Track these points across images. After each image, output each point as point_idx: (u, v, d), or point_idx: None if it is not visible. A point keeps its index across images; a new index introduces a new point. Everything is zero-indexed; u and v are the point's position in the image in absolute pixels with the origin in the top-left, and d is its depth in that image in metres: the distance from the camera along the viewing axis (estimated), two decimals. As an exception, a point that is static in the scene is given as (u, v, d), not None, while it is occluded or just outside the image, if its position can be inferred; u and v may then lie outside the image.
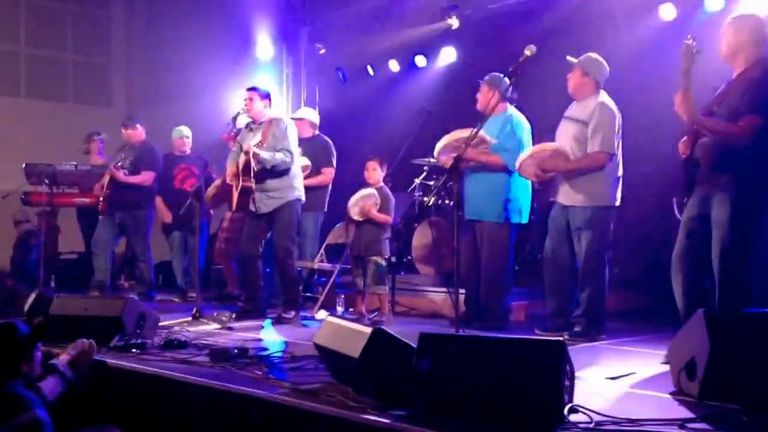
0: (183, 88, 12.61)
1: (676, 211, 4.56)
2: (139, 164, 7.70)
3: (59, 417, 3.13)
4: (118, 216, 7.63)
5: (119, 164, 7.65)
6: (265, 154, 6.16)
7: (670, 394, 3.54)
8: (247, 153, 6.18)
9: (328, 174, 7.30)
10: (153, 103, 13.59)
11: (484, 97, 5.65)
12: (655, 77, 6.85)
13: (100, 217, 7.82)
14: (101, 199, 7.75)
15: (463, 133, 5.44)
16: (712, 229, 4.27)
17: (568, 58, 5.40)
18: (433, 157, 6.70)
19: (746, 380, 3.23)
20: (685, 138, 4.53)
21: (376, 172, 6.51)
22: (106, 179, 7.73)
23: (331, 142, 7.44)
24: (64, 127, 11.73)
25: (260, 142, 6.22)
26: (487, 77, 5.83)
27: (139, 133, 7.88)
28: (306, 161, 7.10)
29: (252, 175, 6.21)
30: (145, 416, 4.05)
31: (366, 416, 3.14)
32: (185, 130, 8.27)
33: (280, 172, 6.27)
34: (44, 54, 13.53)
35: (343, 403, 3.32)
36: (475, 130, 4.58)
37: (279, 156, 6.21)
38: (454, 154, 5.06)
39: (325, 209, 7.37)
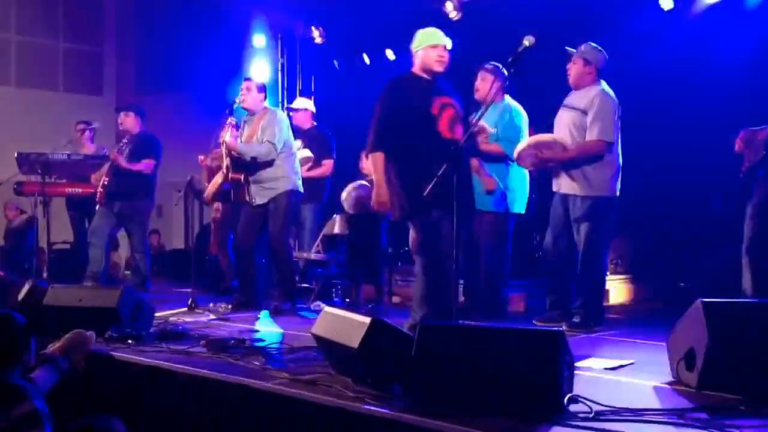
0: (175, 78, 12.58)
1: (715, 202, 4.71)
2: (139, 153, 7.63)
3: (56, 407, 3.11)
4: (116, 206, 7.57)
5: (119, 150, 7.60)
6: (240, 146, 6.18)
7: (669, 384, 3.55)
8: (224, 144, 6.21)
9: (327, 166, 7.29)
10: (145, 92, 13.55)
11: (484, 85, 5.63)
12: (653, 67, 6.87)
13: (98, 206, 7.76)
14: (100, 188, 7.69)
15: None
16: None
17: (567, 48, 5.39)
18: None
19: (745, 370, 3.23)
20: (742, 134, 4.88)
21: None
22: (105, 168, 7.66)
23: (330, 133, 7.41)
24: (55, 115, 11.69)
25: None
26: (486, 65, 5.80)
27: (133, 121, 7.76)
28: (308, 153, 7.09)
29: (235, 167, 6.24)
30: (141, 407, 4.04)
31: (365, 406, 3.14)
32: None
33: (269, 163, 6.26)
34: (36, 42, 13.45)
35: (342, 393, 3.32)
36: (476, 118, 4.56)
37: (261, 147, 6.20)
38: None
39: (325, 201, 7.35)
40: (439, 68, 4.74)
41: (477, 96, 5.75)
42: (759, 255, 5.00)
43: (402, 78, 4.83)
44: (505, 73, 4.98)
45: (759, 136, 4.91)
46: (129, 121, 7.74)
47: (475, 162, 5.07)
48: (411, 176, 4.56)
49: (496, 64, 5.71)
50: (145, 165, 7.56)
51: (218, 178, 7.06)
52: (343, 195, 6.40)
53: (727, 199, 4.82)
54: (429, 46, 4.77)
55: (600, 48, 5.36)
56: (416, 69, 4.83)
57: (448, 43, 4.77)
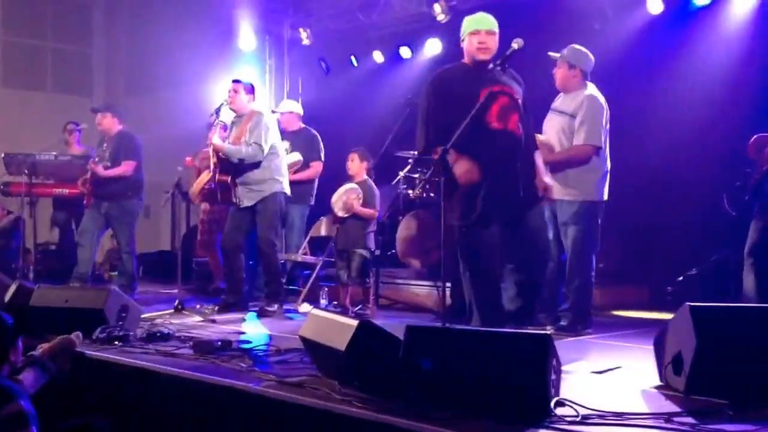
0: (164, 79, 12.55)
1: (727, 206, 5.05)
2: (118, 155, 7.56)
3: (42, 408, 3.09)
4: (104, 207, 7.52)
5: (97, 160, 7.52)
6: (227, 148, 6.18)
7: (657, 388, 3.55)
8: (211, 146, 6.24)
9: (315, 168, 7.27)
10: (134, 93, 13.51)
11: None
12: (642, 70, 6.89)
13: (86, 208, 7.71)
14: (85, 193, 7.64)
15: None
16: None
17: (550, 53, 5.38)
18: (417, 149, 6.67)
19: (732, 375, 3.24)
20: (754, 140, 5.09)
21: (354, 164, 6.48)
22: (88, 174, 7.61)
23: (318, 135, 7.40)
24: (43, 116, 11.64)
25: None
26: None
27: (110, 122, 7.67)
28: (297, 156, 7.09)
29: (222, 169, 6.24)
30: (127, 408, 4.01)
31: (352, 409, 3.13)
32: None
33: (256, 165, 6.24)
34: (23, 42, 13.38)
35: (329, 396, 3.30)
36: (467, 120, 4.54)
37: (247, 149, 6.18)
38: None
39: (312, 203, 7.34)
40: (481, 56, 4.39)
41: None
42: (763, 257, 5.08)
43: (448, 69, 4.52)
44: None
45: None
46: (106, 122, 7.64)
47: None
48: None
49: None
50: (124, 168, 7.49)
51: (204, 176, 7.05)
52: (334, 198, 6.38)
53: (735, 201, 4.94)
54: (470, 33, 4.44)
55: (585, 50, 5.35)
56: (465, 59, 4.52)
57: (493, 26, 4.41)
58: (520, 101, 4.34)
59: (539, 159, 4.36)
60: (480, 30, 4.38)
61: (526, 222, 4.30)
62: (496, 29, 4.34)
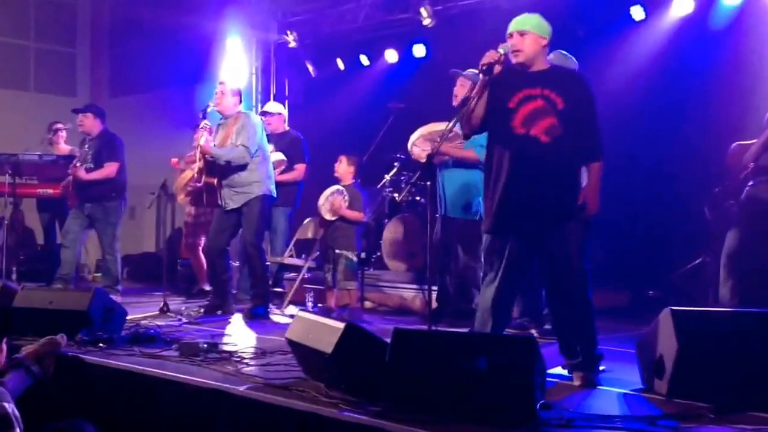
0: (150, 80, 12.48)
1: (707, 212, 5.35)
2: (101, 156, 7.49)
3: (27, 411, 3.08)
4: (87, 208, 7.48)
5: (77, 164, 7.46)
6: (214, 150, 6.17)
7: (639, 391, 3.59)
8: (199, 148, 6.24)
9: (300, 170, 7.28)
10: (119, 93, 13.44)
11: (463, 91, 5.57)
12: (625, 77, 6.94)
13: (70, 209, 7.67)
14: (68, 194, 7.60)
15: (438, 126, 5.39)
16: None
17: None
18: (403, 153, 6.69)
19: (713, 379, 3.28)
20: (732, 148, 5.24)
21: (342, 166, 6.49)
22: (70, 177, 7.56)
23: (303, 137, 7.41)
24: (26, 116, 11.56)
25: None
26: (465, 71, 5.78)
27: (92, 122, 7.60)
28: (281, 156, 7.08)
29: (208, 171, 6.24)
30: (112, 411, 4.00)
31: (338, 412, 3.14)
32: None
33: (242, 167, 6.24)
34: (6, 41, 13.27)
35: (315, 398, 3.32)
36: (451, 123, 4.55)
37: (234, 151, 6.18)
38: (428, 149, 5.05)
39: (297, 205, 7.34)
40: (513, 59, 4.07)
41: (455, 102, 5.74)
42: (741, 263, 5.15)
43: (501, 71, 4.15)
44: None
45: (748, 150, 5.12)
46: (88, 123, 7.54)
47: None
48: (485, 179, 4.13)
49: (475, 70, 5.69)
50: (107, 171, 7.41)
51: (187, 173, 7.03)
52: (321, 200, 6.38)
53: (715, 207, 5.04)
54: (507, 37, 4.12)
55: (569, 55, 5.37)
56: None
57: (525, 25, 4.06)
58: (560, 106, 3.96)
59: (585, 172, 4.16)
60: (512, 32, 4.09)
61: (554, 237, 3.93)
62: (532, 29, 4.02)
